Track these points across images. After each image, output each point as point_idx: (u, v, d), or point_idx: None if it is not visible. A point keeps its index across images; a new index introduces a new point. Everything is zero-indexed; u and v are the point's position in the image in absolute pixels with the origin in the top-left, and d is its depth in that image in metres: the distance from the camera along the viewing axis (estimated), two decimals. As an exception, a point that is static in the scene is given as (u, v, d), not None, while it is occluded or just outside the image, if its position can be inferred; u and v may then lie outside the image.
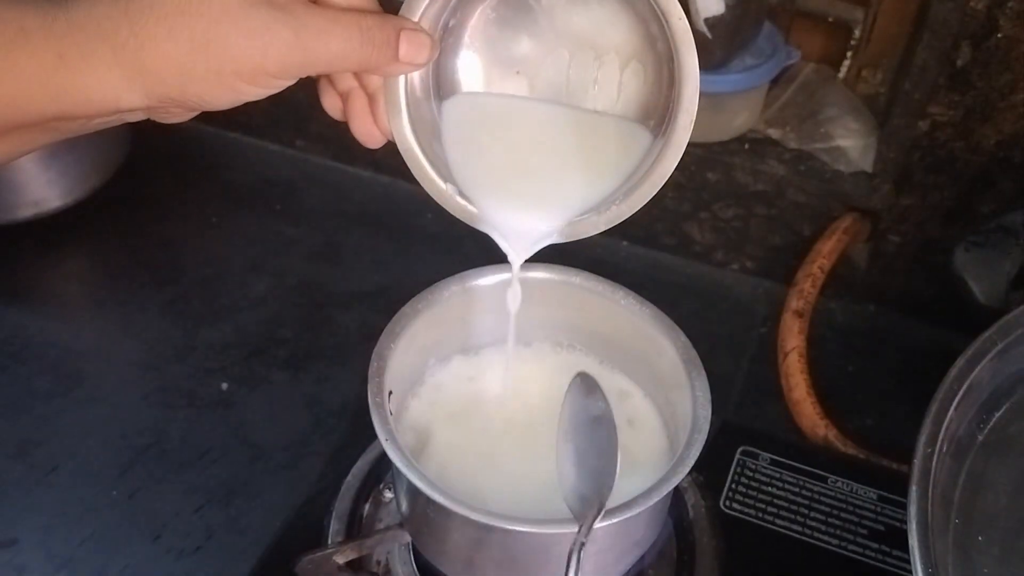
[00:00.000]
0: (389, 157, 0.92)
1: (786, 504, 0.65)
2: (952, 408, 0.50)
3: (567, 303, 0.58)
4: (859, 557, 0.63)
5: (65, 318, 0.82)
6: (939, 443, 0.48)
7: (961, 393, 0.50)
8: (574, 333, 0.60)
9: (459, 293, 0.58)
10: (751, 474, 0.67)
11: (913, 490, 0.46)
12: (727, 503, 0.65)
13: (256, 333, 0.81)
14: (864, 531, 0.64)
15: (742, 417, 0.73)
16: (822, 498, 0.65)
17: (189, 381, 0.77)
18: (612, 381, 0.59)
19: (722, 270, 0.88)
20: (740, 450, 0.68)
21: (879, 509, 0.65)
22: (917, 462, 0.47)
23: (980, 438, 0.52)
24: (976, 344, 0.52)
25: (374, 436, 0.68)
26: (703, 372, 0.53)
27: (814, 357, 0.76)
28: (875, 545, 0.63)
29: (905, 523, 0.62)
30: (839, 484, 0.66)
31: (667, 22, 0.45)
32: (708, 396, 0.52)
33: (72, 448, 0.72)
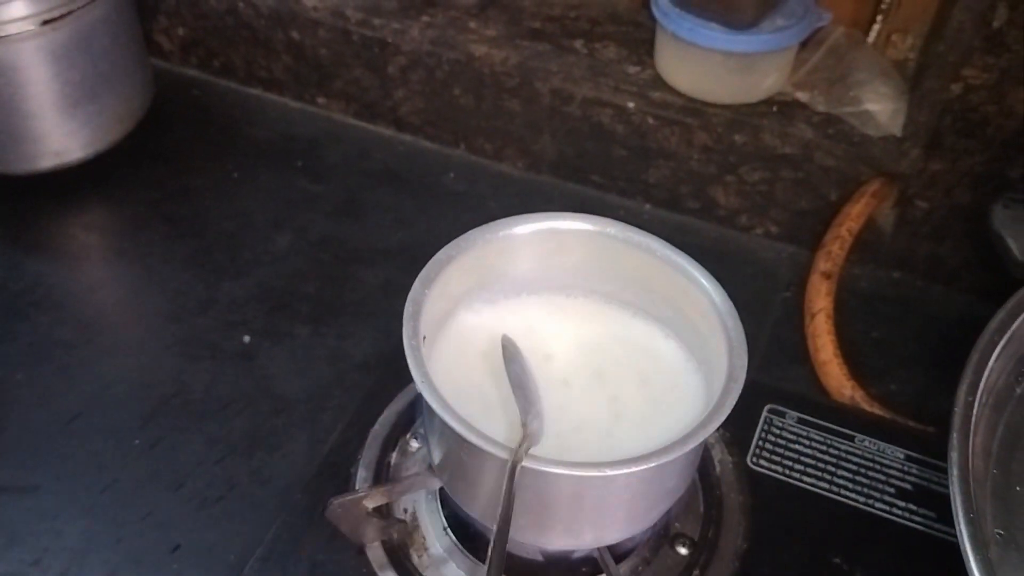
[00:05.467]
0: (411, 115, 0.93)
1: (813, 462, 0.65)
2: (992, 359, 0.49)
3: (602, 253, 0.58)
4: (886, 515, 0.62)
5: (86, 269, 0.81)
6: (979, 393, 0.48)
7: (1001, 345, 0.50)
8: (608, 282, 0.59)
9: (492, 241, 0.57)
10: (778, 432, 0.66)
11: (954, 437, 0.46)
12: (754, 460, 0.65)
13: (278, 288, 0.81)
14: (892, 489, 0.63)
15: (768, 378, 0.73)
16: (850, 457, 0.65)
17: (211, 333, 0.77)
18: (647, 330, 0.59)
19: (746, 234, 0.87)
20: (767, 408, 0.67)
21: (906, 468, 0.64)
22: (958, 411, 0.47)
23: (1018, 391, 0.51)
24: (1016, 297, 0.51)
25: (399, 388, 0.68)
26: (739, 321, 0.52)
27: (838, 322, 0.76)
28: (902, 503, 0.63)
29: (934, 482, 0.62)
30: (866, 443, 0.66)
31: None
32: (744, 345, 0.51)
33: (94, 397, 0.72)
